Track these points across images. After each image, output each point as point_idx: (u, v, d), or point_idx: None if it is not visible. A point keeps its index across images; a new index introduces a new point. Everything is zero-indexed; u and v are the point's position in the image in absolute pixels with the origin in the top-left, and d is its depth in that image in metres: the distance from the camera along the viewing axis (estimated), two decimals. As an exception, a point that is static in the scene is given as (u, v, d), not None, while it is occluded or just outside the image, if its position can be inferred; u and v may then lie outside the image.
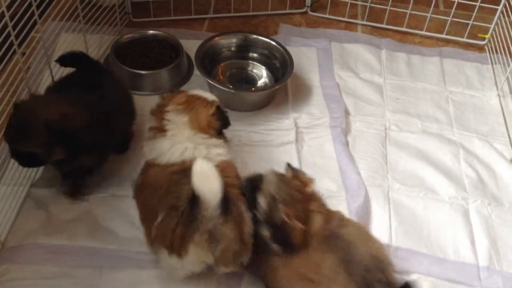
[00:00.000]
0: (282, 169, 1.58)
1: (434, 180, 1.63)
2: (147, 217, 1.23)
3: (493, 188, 1.63)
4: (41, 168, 1.53)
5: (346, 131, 1.77)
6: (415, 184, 1.62)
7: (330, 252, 1.17)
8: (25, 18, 1.42)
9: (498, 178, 1.66)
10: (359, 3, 2.28)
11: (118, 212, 1.46)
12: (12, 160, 1.49)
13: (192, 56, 1.88)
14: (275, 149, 1.70)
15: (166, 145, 1.27)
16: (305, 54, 2.02)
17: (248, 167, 1.59)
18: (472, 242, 1.47)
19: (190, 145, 1.26)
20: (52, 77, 1.61)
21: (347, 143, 1.73)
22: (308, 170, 1.61)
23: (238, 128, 1.74)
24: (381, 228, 1.49)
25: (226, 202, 1.11)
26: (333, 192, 1.58)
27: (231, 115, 1.75)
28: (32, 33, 1.61)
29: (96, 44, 1.91)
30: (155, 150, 1.27)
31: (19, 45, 1.40)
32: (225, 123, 1.37)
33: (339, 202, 1.55)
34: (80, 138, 1.30)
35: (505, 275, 1.39)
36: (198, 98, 1.34)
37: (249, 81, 1.92)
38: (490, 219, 1.53)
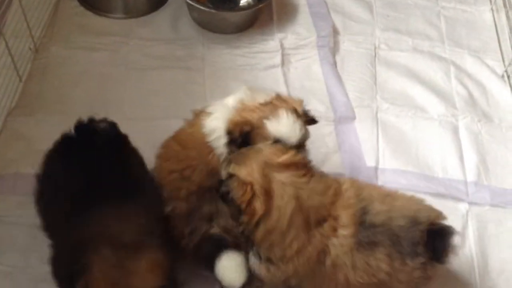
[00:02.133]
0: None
1: (424, 98, 1.60)
2: None
3: (484, 104, 1.60)
4: (16, 96, 1.47)
5: (334, 51, 1.71)
6: (404, 104, 1.59)
7: None
8: None
9: (489, 95, 1.63)
10: None
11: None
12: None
13: (169, -25, 1.76)
14: (260, 73, 1.64)
15: None
16: (290, -30, 1.91)
17: (233, 92, 1.54)
18: (461, 159, 1.46)
19: None
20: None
21: (335, 64, 1.68)
22: (295, 93, 1.58)
23: (221, 52, 1.67)
24: (369, 149, 1.47)
25: None
26: (321, 113, 1.54)
27: (213, 37, 1.71)
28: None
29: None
30: None
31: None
32: None
33: (327, 123, 1.53)
34: None
35: (493, 190, 1.40)
36: None
37: (231, 0, 1.82)
38: (480, 136, 1.52)
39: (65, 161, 1.09)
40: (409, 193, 1.33)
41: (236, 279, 1.07)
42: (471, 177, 1.42)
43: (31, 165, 1.31)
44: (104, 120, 1.14)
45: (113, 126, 1.14)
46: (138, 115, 1.47)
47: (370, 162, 1.44)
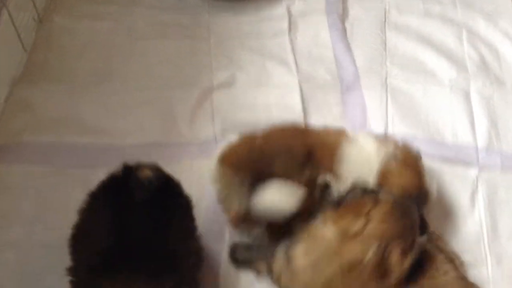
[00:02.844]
0: (273, 62, 1.53)
1: (435, 63, 1.56)
2: None
3: (496, 68, 1.55)
4: (21, 66, 1.47)
5: (343, 17, 1.67)
6: (415, 69, 1.55)
7: None
8: None
9: (502, 58, 1.58)
10: None
11: (104, 105, 1.41)
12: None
13: None
14: (267, 40, 1.61)
15: None
16: None
17: (239, 61, 1.53)
18: (472, 124, 1.43)
19: None
20: None
21: (344, 30, 1.64)
22: (302, 61, 1.56)
23: (226, 20, 1.64)
24: (377, 117, 1.44)
25: None
26: (328, 82, 1.52)
27: (218, 5, 1.67)
28: None
29: None
30: None
31: None
32: None
33: (334, 93, 1.50)
34: None
35: (504, 155, 1.37)
36: None
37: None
38: (492, 100, 1.48)
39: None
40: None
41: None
42: (482, 142, 1.39)
43: (36, 134, 1.33)
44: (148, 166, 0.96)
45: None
46: (143, 86, 1.46)
47: (377, 128, 1.41)
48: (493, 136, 1.40)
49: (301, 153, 1.10)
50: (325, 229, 0.95)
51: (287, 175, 1.06)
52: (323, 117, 1.45)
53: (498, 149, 1.38)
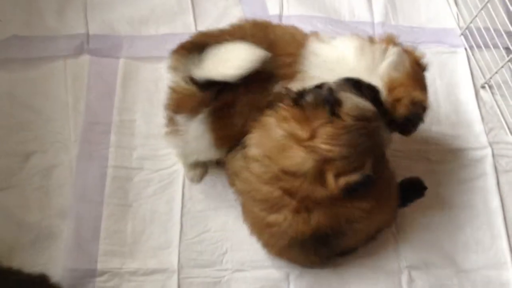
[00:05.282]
0: None
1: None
2: None
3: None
4: None
5: None
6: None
7: None
8: None
9: None
10: None
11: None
12: None
13: None
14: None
15: None
16: None
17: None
18: (369, 0, 1.38)
19: None
20: None
21: None
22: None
23: None
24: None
25: None
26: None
27: None
28: None
29: None
30: None
31: None
32: None
33: (234, 3, 1.36)
34: None
35: (400, 28, 1.34)
36: None
37: None
38: (388, -26, 1.42)
39: None
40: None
41: None
42: (378, 17, 1.35)
43: None
44: None
45: None
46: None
47: (273, 11, 1.33)
48: (389, 10, 1.36)
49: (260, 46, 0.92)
50: (274, 126, 0.90)
51: None
52: (215, 4, 1.34)
53: (394, 24, 1.35)
